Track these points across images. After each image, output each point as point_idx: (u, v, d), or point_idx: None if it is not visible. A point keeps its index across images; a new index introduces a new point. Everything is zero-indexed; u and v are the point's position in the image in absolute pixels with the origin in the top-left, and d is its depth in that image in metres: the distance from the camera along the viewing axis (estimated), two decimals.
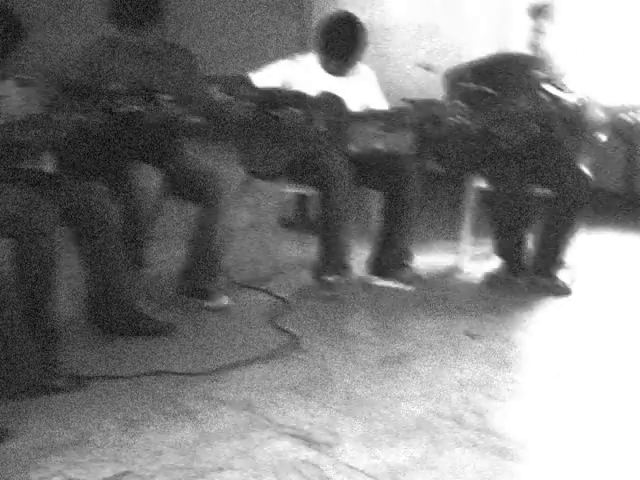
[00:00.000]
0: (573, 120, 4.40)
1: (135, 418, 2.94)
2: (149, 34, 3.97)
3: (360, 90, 4.64)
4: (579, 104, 4.41)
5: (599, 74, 5.33)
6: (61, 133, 3.48)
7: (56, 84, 3.61)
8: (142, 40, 3.98)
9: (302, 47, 7.77)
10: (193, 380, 3.26)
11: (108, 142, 3.82)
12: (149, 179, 3.84)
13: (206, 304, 4.07)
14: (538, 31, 4.51)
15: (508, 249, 4.52)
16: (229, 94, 4.29)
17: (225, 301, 4.10)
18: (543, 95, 4.44)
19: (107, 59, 3.97)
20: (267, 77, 4.48)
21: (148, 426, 2.89)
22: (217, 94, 4.17)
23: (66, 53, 4.12)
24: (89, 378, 3.23)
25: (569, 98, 4.43)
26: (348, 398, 3.12)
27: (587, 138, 4.49)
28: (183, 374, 3.30)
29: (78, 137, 3.65)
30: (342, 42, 4.51)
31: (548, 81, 4.50)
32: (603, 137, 4.52)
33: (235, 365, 3.40)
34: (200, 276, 4.09)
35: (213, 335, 3.78)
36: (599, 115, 4.40)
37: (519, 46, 4.68)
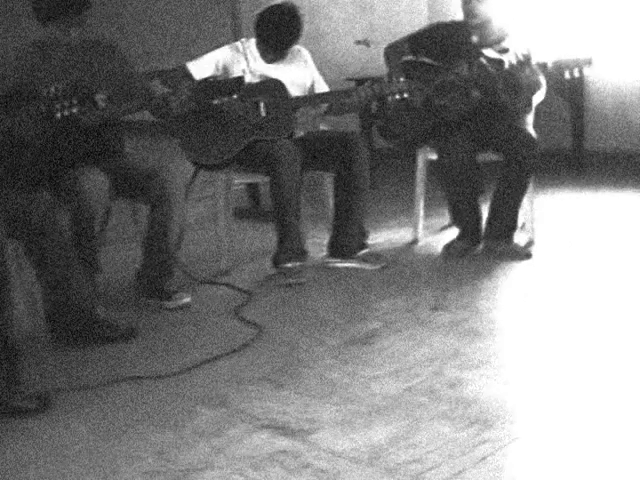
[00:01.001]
0: (514, 82, 4.39)
1: (109, 427, 2.89)
2: (74, 30, 3.89)
3: (298, 74, 4.61)
4: (519, 65, 4.41)
5: (539, 33, 5.36)
6: None
7: None
8: (69, 38, 3.90)
9: (235, 34, 7.73)
10: (163, 382, 3.21)
11: (48, 148, 3.75)
12: (95, 182, 3.76)
13: (166, 304, 4.02)
14: None
15: (464, 218, 4.53)
16: (168, 87, 4.25)
17: (186, 299, 4.05)
18: (483, 60, 4.43)
19: (36, 63, 3.89)
20: (205, 66, 4.45)
21: (124, 432, 2.84)
22: (156, 87, 4.12)
23: None
24: (51, 392, 3.13)
25: (509, 60, 4.43)
26: (320, 383, 3.10)
27: (529, 99, 4.49)
28: (152, 377, 3.25)
29: (16, 146, 3.58)
30: (280, 32, 4.48)
31: (487, 46, 4.50)
32: (544, 96, 4.53)
33: (203, 362, 3.36)
34: (157, 276, 4.03)
35: (177, 335, 3.73)
36: (540, 75, 4.41)
37: (455, 13, 4.68)
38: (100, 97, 3.78)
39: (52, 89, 3.61)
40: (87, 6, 3.87)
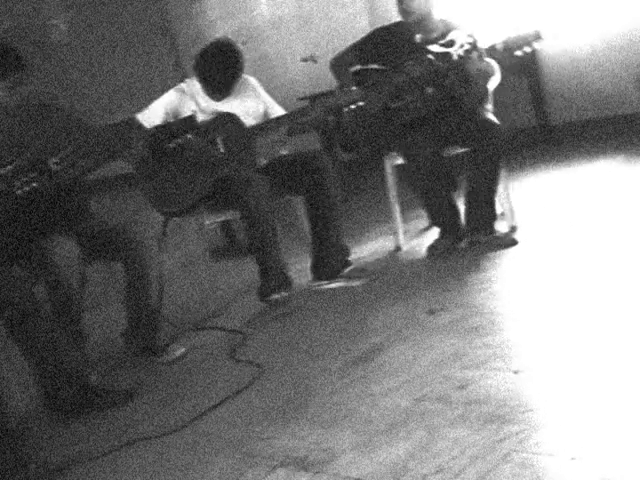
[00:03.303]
0: (465, 73, 4.37)
1: None
2: (15, 92, 3.82)
3: (250, 104, 4.58)
4: (467, 55, 4.37)
5: (482, 16, 5.34)
6: None
7: None
8: (10, 100, 3.83)
9: (179, 75, 7.69)
10: (172, 438, 3.13)
11: (11, 224, 3.68)
12: (65, 250, 3.69)
13: (160, 359, 3.94)
14: None
15: (441, 216, 4.49)
16: (122, 139, 4.19)
17: (179, 350, 3.97)
18: (430, 56, 4.40)
19: None
20: (155, 113, 4.40)
21: None
22: (109, 142, 4.06)
23: None
24: (62, 468, 3.07)
25: (456, 52, 4.39)
26: (331, 409, 3.02)
27: (484, 87, 4.46)
28: (160, 435, 3.16)
29: None
30: (220, 71, 4.46)
31: (431, 41, 4.47)
32: (499, 80, 4.50)
33: (209, 410, 3.27)
34: (145, 333, 3.95)
35: (177, 387, 3.65)
36: (490, 59, 4.38)
37: (396, 17, 4.65)
38: (53, 161, 3.71)
39: (9, 167, 3.56)
40: (22, 67, 3.81)
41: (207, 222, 4.63)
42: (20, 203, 3.66)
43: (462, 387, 2.93)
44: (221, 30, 7.29)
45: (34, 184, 3.60)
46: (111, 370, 3.97)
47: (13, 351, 3.51)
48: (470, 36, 4.42)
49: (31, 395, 3.64)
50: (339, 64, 4.63)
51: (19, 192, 3.58)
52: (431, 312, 3.72)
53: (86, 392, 3.55)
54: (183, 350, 3.98)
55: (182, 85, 4.61)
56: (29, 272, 3.62)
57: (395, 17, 4.67)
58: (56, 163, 3.69)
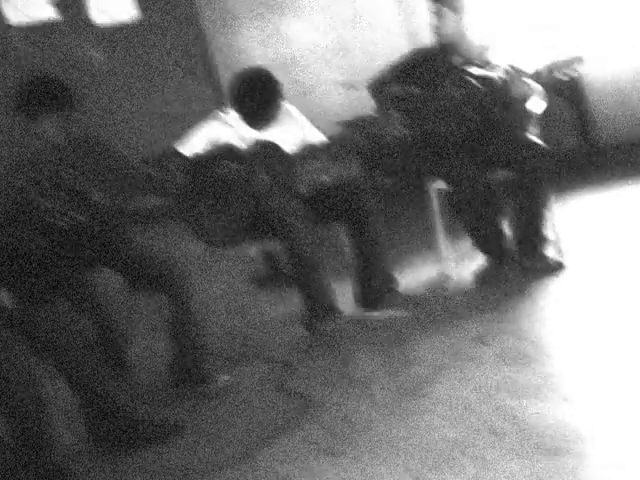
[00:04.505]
0: (506, 95, 4.33)
1: None
2: (63, 128, 3.84)
3: (289, 131, 4.56)
4: (508, 77, 4.33)
5: (525, 39, 5.29)
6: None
7: None
8: (58, 138, 3.84)
9: (218, 105, 7.72)
10: (221, 474, 3.08)
11: (56, 257, 3.68)
12: (109, 282, 3.70)
13: (205, 390, 3.90)
14: (440, 15, 4.46)
15: (488, 242, 4.44)
16: (163, 170, 4.19)
17: (224, 381, 3.94)
18: (469, 78, 4.37)
19: (27, 173, 3.82)
20: (195, 143, 4.40)
21: None
22: (151, 173, 4.06)
23: None
24: None
25: (497, 74, 4.35)
26: (380, 444, 2.97)
27: (525, 109, 4.42)
28: (209, 471, 3.12)
29: (24, 260, 3.52)
30: (257, 100, 4.45)
31: (471, 63, 4.44)
32: (544, 101, 4.45)
33: (257, 444, 3.22)
34: (190, 363, 3.93)
35: (223, 421, 3.60)
36: (532, 82, 4.34)
37: (429, 37, 4.63)
38: (97, 195, 3.72)
39: (53, 200, 3.57)
40: (71, 103, 3.83)
41: (250, 251, 4.60)
42: (63, 235, 3.66)
43: (512, 418, 2.88)
44: (259, 58, 7.31)
45: (77, 216, 3.60)
46: (157, 402, 3.93)
47: (59, 384, 3.50)
48: (512, 59, 4.39)
49: (77, 429, 3.61)
50: (378, 88, 4.60)
51: (62, 224, 3.59)
52: (480, 341, 3.67)
53: (133, 426, 3.51)
54: (228, 380, 3.94)
55: (222, 114, 4.60)
56: (73, 305, 3.61)
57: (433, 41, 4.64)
58: (100, 197, 3.70)
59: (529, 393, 3.04)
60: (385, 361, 3.80)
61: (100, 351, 3.53)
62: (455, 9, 4.44)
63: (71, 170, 3.88)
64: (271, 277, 5.77)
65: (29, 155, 3.88)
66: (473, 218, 4.38)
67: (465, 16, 4.45)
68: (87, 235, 3.77)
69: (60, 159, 3.90)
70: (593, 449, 2.55)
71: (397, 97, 4.49)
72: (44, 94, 3.81)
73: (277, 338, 4.49)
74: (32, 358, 3.23)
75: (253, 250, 4.68)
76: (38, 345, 3.31)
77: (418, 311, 4.29)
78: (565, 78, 4.26)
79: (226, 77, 7.20)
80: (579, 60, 4.22)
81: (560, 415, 2.81)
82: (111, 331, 3.69)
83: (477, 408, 3.03)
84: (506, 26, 5.15)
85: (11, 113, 3.92)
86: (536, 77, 4.33)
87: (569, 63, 4.23)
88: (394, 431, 3.04)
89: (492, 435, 2.80)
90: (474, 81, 4.37)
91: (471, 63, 4.45)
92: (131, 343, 3.98)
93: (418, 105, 4.43)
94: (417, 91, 4.46)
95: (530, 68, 4.32)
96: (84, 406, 3.49)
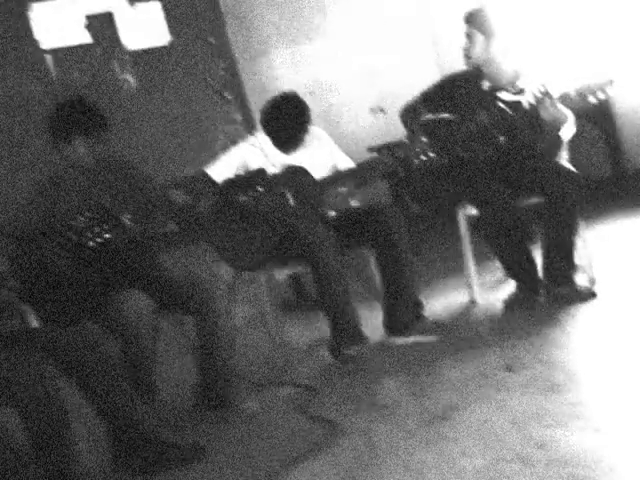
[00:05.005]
0: (537, 121, 4.30)
1: None
2: (95, 151, 3.85)
3: (318, 156, 4.57)
4: (538, 102, 4.30)
5: (554, 63, 5.27)
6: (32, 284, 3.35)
7: (10, 237, 3.48)
8: (87, 160, 3.86)
9: (247, 130, 7.74)
10: None
11: (83, 277, 3.68)
12: (138, 304, 3.69)
13: (231, 414, 3.88)
14: (471, 39, 4.45)
15: (517, 268, 4.39)
16: (191, 194, 4.19)
17: (250, 406, 3.92)
18: (499, 103, 4.35)
19: (55, 197, 3.84)
20: (224, 167, 4.41)
21: None
22: (178, 197, 4.07)
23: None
24: None
25: (527, 100, 4.33)
26: (407, 471, 2.92)
27: (556, 134, 4.39)
28: None
29: (51, 280, 3.52)
30: (287, 124, 4.48)
31: (501, 89, 4.42)
32: (575, 128, 4.42)
33: (282, 468, 3.19)
34: (216, 387, 3.92)
35: (248, 444, 3.58)
36: (563, 107, 4.31)
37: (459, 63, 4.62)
38: (126, 217, 3.72)
39: (81, 218, 3.57)
40: (105, 126, 3.86)
41: (277, 275, 4.59)
42: (92, 256, 3.66)
43: (541, 446, 2.83)
44: (288, 82, 7.33)
45: (106, 236, 3.60)
46: (182, 425, 3.91)
47: (84, 407, 3.49)
48: (542, 83, 4.36)
49: (102, 452, 3.59)
50: (409, 113, 4.59)
51: (91, 243, 3.59)
52: (508, 368, 3.62)
53: (157, 448, 3.49)
54: (254, 405, 3.92)
55: (251, 138, 4.61)
56: (100, 326, 3.61)
57: (462, 66, 4.63)
58: (128, 219, 3.70)
59: (559, 422, 2.98)
60: (412, 387, 3.76)
61: (126, 373, 3.52)
62: (486, 33, 4.43)
63: (100, 191, 3.90)
64: (298, 302, 5.76)
65: (59, 175, 3.91)
66: (502, 244, 4.35)
67: (496, 40, 4.44)
68: (116, 256, 3.78)
69: (90, 180, 3.92)
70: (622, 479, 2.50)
71: (427, 122, 4.48)
72: (77, 117, 3.85)
73: (303, 363, 4.48)
74: (58, 378, 3.22)
75: (280, 275, 4.66)
76: (64, 365, 3.30)
77: (446, 337, 4.25)
78: (595, 102, 4.21)
79: (256, 102, 7.25)
80: (610, 83, 4.18)
81: (590, 445, 2.75)
82: (138, 353, 3.68)
83: (505, 436, 2.98)
84: (536, 50, 5.14)
85: (43, 134, 3.95)
86: (566, 101, 4.29)
87: (599, 87, 4.18)
88: (420, 457, 2.99)
89: (521, 464, 2.76)
90: (504, 106, 4.35)
91: (501, 88, 4.43)
92: (157, 365, 3.97)
93: (448, 130, 4.42)
94: (447, 117, 4.45)
95: (560, 92, 4.29)
96: (108, 427, 3.48)
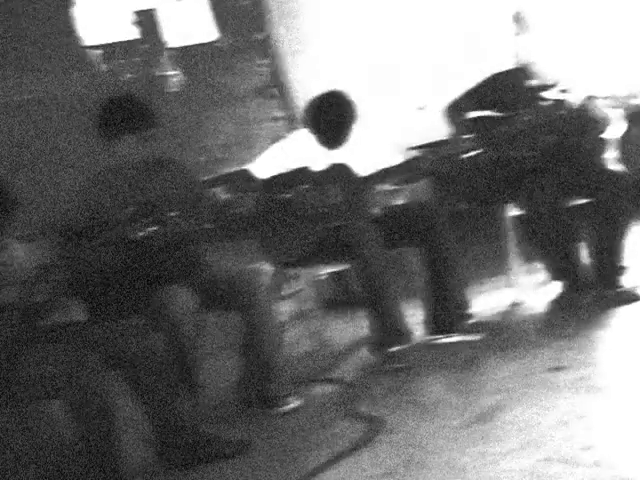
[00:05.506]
0: (581, 121, 4.27)
1: None
2: (141, 148, 3.88)
3: (363, 153, 4.57)
4: (583, 103, 4.28)
5: (595, 68, 5.23)
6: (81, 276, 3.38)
7: (62, 231, 3.51)
8: (135, 157, 3.89)
9: (291, 127, 7.76)
10: None
11: (130, 272, 3.71)
12: (183, 300, 3.71)
13: (274, 410, 3.89)
14: (518, 37, 4.44)
15: (563, 269, 4.36)
16: (235, 191, 4.21)
17: (293, 402, 3.92)
18: (545, 102, 4.32)
19: (104, 193, 3.87)
20: (267, 164, 4.41)
21: None
22: (222, 194, 4.08)
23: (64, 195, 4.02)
24: None
25: (572, 98, 4.30)
26: (451, 470, 2.91)
27: (601, 136, 4.35)
28: None
29: (99, 273, 3.55)
30: (334, 121, 4.50)
31: (547, 88, 4.39)
32: (621, 126, 4.38)
33: (326, 466, 3.19)
34: (259, 383, 3.93)
35: (290, 441, 3.59)
36: (607, 108, 4.27)
37: (508, 60, 4.60)
38: (172, 214, 3.74)
39: (128, 211, 3.59)
40: (153, 124, 3.87)
41: (320, 273, 4.59)
42: (137, 250, 3.68)
43: (587, 448, 2.81)
44: (333, 80, 7.33)
45: (152, 229, 3.62)
46: (225, 420, 3.93)
47: (129, 399, 3.52)
48: (590, 83, 4.34)
49: (145, 446, 3.62)
50: (454, 111, 4.58)
51: (136, 235, 3.60)
52: (554, 369, 3.60)
53: (200, 442, 3.51)
54: (297, 402, 3.92)
55: (295, 135, 4.62)
56: (147, 321, 3.64)
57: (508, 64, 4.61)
58: (174, 216, 3.72)
59: (603, 424, 2.96)
60: (456, 386, 3.75)
61: (171, 368, 3.54)
62: (532, 32, 4.41)
63: (147, 188, 3.93)
64: (342, 299, 5.76)
65: (107, 172, 3.94)
66: (548, 244, 4.32)
67: (542, 40, 4.41)
68: (161, 252, 3.80)
69: (137, 177, 3.94)
70: None
71: (472, 120, 4.46)
72: (127, 115, 3.87)
73: (347, 360, 4.48)
74: (104, 371, 3.25)
75: (324, 272, 4.67)
76: (111, 359, 3.33)
77: (491, 336, 4.24)
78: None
79: (300, 99, 7.27)
80: None
81: (635, 448, 2.73)
82: (182, 348, 3.70)
83: (550, 437, 2.96)
84: (582, 50, 5.10)
85: (89, 132, 3.98)
86: (614, 101, 4.26)
87: None
88: (465, 457, 2.98)
89: (565, 465, 2.74)
90: (550, 105, 4.32)
91: (547, 86, 4.41)
92: (202, 361, 3.99)
93: (493, 129, 4.39)
94: (493, 114, 4.43)
95: (607, 92, 4.26)
96: (153, 420, 3.50)
